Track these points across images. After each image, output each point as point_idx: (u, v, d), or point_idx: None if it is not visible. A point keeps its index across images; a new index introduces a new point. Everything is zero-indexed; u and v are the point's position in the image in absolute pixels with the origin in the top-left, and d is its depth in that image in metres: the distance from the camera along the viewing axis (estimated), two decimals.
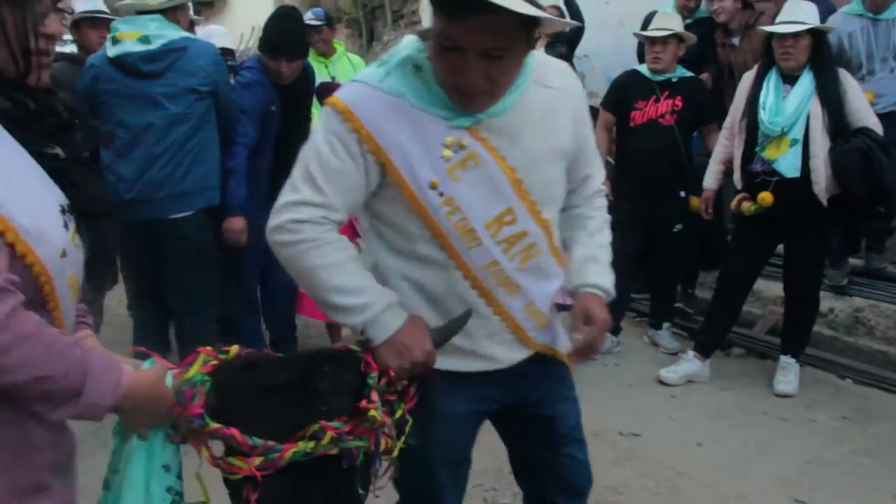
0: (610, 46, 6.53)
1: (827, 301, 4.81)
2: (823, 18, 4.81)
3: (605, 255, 1.97)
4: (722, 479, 3.41)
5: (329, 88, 4.56)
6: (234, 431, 1.46)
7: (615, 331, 4.84)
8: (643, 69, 4.79)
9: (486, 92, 1.63)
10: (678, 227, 4.75)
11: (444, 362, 1.75)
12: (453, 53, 1.56)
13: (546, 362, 1.94)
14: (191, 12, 5.37)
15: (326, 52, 6.01)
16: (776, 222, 4.11)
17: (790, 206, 3.98)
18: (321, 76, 5.54)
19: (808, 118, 3.93)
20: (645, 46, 4.81)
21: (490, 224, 1.72)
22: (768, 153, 4.03)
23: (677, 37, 4.68)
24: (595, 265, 1.93)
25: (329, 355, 1.64)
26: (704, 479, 3.41)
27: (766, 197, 4.02)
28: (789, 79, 4.02)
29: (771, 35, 4.06)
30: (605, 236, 2.00)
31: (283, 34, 3.99)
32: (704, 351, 4.47)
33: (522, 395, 1.95)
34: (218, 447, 1.53)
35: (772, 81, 4.06)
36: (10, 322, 1.17)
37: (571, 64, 6.32)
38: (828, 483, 3.37)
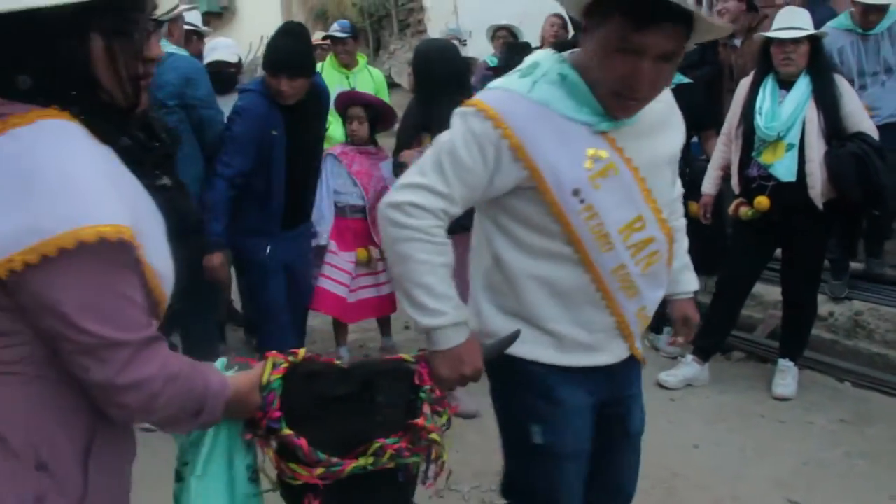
0: None
1: (827, 305, 4.84)
2: (823, 24, 4.86)
3: (689, 259, 2.18)
4: (717, 480, 3.44)
5: (350, 97, 4.62)
6: (303, 442, 1.53)
7: None
8: None
9: (647, 98, 1.70)
10: None
11: (569, 358, 1.88)
12: (630, 57, 1.61)
13: (631, 362, 2.02)
14: (200, 23, 5.47)
15: (349, 64, 6.11)
16: (774, 226, 4.15)
17: (787, 210, 4.02)
18: (342, 87, 5.62)
19: (803, 123, 3.97)
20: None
21: (623, 229, 1.80)
22: (765, 158, 4.07)
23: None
24: (689, 272, 2.17)
25: (386, 367, 1.71)
26: (700, 481, 3.44)
27: (762, 201, 4.05)
28: (785, 84, 4.07)
29: (769, 41, 4.10)
30: (687, 241, 2.17)
31: (285, 51, 3.77)
32: (703, 355, 4.49)
33: (615, 392, 2.02)
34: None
35: (768, 87, 4.11)
36: (163, 368, 1.23)
37: None
38: (823, 484, 3.40)
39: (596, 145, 1.75)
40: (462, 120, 1.76)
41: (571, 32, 6.45)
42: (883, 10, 4.80)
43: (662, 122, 1.88)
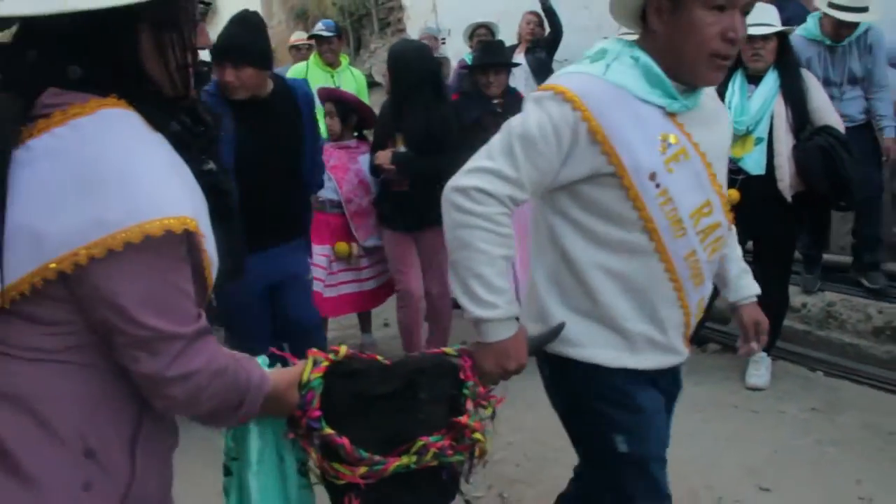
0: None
1: (799, 296, 4.92)
2: (796, 20, 4.94)
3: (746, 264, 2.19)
4: (691, 470, 3.48)
5: (323, 93, 4.63)
6: (346, 441, 1.51)
7: None
8: None
9: (733, 56, 1.75)
10: None
11: (642, 360, 1.86)
12: (724, 13, 1.67)
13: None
14: None
15: (333, 63, 6.15)
16: (744, 219, 4.20)
17: (757, 202, 4.08)
18: (328, 86, 5.63)
19: (772, 117, 4.05)
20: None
21: (693, 214, 1.80)
22: (734, 152, 4.12)
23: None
24: (749, 277, 2.16)
25: (428, 363, 1.68)
26: (674, 471, 3.43)
27: (732, 194, 4.10)
28: (754, 79, 4.14)
29: None
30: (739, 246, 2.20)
31: (228, 37, 3.35)
32: (697, 343, 4.55)
33: (669, 393, 2.01)
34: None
35: (737, 82, 4.17)
36: (211, 361, 1.25)
37: (551, 68, 6.46)
38: (792, 471, 3.46)
39: (667, 129, 1.76)
40: (537, 104, 1.74)
41: (548, 30, 6.52)
42: (854, 26, 4.82)
43: (716, 114, 1.94)
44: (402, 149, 4.29)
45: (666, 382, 1.96)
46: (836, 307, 4.87)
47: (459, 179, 1.73)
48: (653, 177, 1.73)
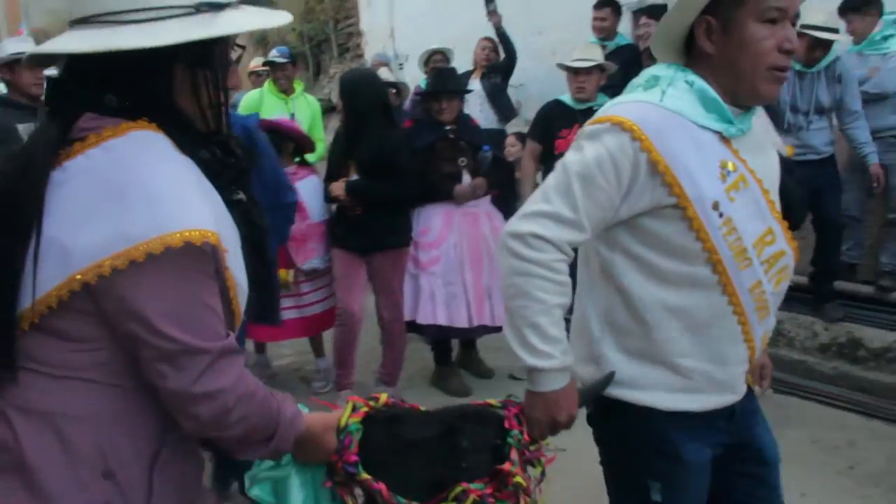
0: (544, 74, 6.75)
1: None
2: None
3: None
4: None
5: (265, 124, 4.60)
6: (382, 487, 1.49)
7: None
8: (566, 99, 5.01)
9: (789, 67, 1.71)
10: None
11: (697, 400, 1.75)
12: (777, 25, 1.63)
13: (748, 394, 1.90)
14: None
15: (287, 90, 6.17)
16: None
17: None
18: (282, 113, 5.67)
19: None
20: (568, 76, 5.02)
21: (756, 243, 1.71)
22: None
23: (599, 67, 4.89)
24: (772, 317, 1.98)
25: (471, 412, 1.65)
26: None
27: None
28: None
29: None
30: None
31: None
32: None
33: (737, 434, 1.88)
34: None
35: None
36: (238, 382, 1.27)
37: (506, 93, 6.56)
38: None
39: (725, 156, 1.69)
40: (592, 138, 1.66)
41: (503, 55, 6.62)
42: (829, 45, 4.80)
43: (766, 137, 1.90)
44: (354, 176, 4.33)
45: (724, 429, 1.84)
46: (784, 325, 4.98)
47: (516, 225, 1.68)
48: (716, 206, 1.66)
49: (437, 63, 6.54)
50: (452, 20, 7.82)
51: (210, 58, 1.32)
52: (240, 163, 1.41)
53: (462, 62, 6.72)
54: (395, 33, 9.37)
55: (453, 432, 1.56)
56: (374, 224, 4.27)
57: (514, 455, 1.59)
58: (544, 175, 5.10)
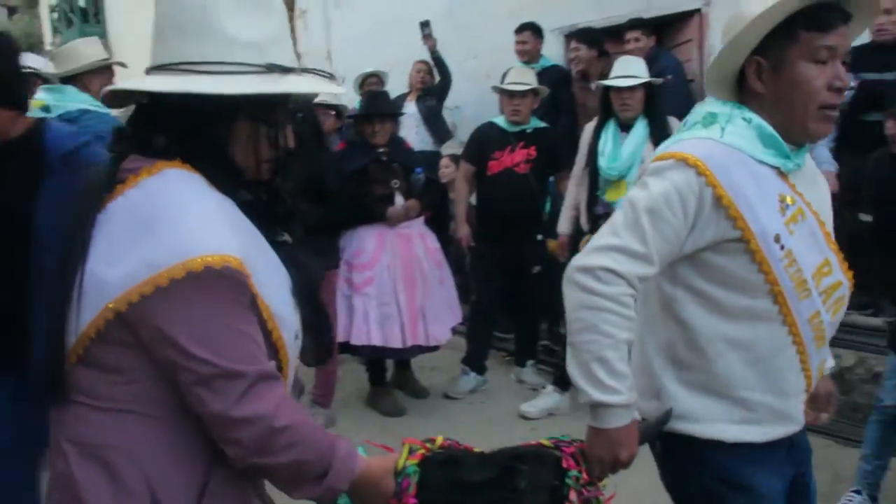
0: (478, 97, 6.83)
1: None
2: (670, 71, 5.24)
3: None
4: None
5: None
6: None
7: (481, 370, 5.05)
8: (500, 121, 5.08)
9: (839, 105, 1.74)
10: (537, 268, 5.01)
11: (763, 431, 1.76)
12: (827, 64, 1.67)
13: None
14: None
15: None
16: None
17: None
18: None
19: (643, 163, 4.27)
20: (502, 99, 5.11)
21: (815, 274, 1.74)
22: (609, 196, 4.35)
23: (534, 91, 4.99)
24: (827, 348, 1.96)
25: (528, 452, 1.63)
26: None
27: None
28: (626, 127, 4.38)
29: (608, 88, 4.40)
30: None
31: None
32: (563, 384, 4.68)
33: (797, 463, 1.90)
34: None
35: (610, 130, 4.41)
36: (280, 408, 1.29)
37: (441, 116, 6.63)
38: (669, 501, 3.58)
39: (783, 190, 1.73)
40: (658, 175, 1.68)
41: (437, 78, 6.69)
42: None
43: (816, 173, 1.91)
44: None
45: (786, 458, 1.85)
46: None
47: (585, 259, 1.67)
48: (777, 239, 1.69)
49: (371, 86, 6.57)
50: (388, 43, 7.87)
51: (272, 113, 1.41)
52: (287, 207, 1.50)
53: (397, 85, 6.77)
54: (332, 56, 9.38)
55: (511, 474, 1.55)
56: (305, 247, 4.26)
57: (573, 496, 1.58)
58: (478, 196, 5.16)
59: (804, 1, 1.65)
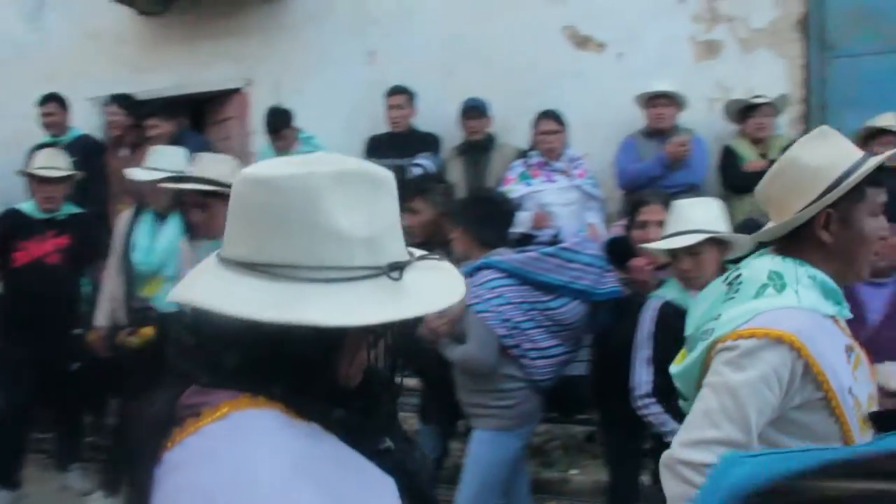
0: None
1: None
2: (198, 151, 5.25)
3: None
4: None
5: None
6: None
7: (15, 485, 4.56)
8: (27, 207, 4.72)
9: None
10: (76, 365, 4.70)
11: None
12: (879, 217, 1.81)
13: None
14: None
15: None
16: (163, 354, 4.30)
17: (172, 339, 4.21)
18: None
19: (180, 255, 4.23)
20: (32, 184, 4.71)
21: (869, 404, 1.84)
22: (146, 291, 4.22)
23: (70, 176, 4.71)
24: None
25: None
26: None
27: (146, 332, 4.16)
28: (163, 218, 4.27)
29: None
30: None
31: None
32: (113, 486, 4.46)
33: None
34: None
35: (146, 221, 4.28)
36: None
37: None
38: None
39: (846, 339, 1.83)
40: (753, 356, 1.72)
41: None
42: None
43: None
44: None
45: None
46: None
47: (687, 453, 1.71)
48: (850, 391, 1.78)
49: None
50: None
51: (388, 328, 1.14)
52: (385, 407, 1.21)
53: None
54: None
55: None
56: None
57: None
58: (4, 290, 4.70)
59: (888, 159, 1.84)
